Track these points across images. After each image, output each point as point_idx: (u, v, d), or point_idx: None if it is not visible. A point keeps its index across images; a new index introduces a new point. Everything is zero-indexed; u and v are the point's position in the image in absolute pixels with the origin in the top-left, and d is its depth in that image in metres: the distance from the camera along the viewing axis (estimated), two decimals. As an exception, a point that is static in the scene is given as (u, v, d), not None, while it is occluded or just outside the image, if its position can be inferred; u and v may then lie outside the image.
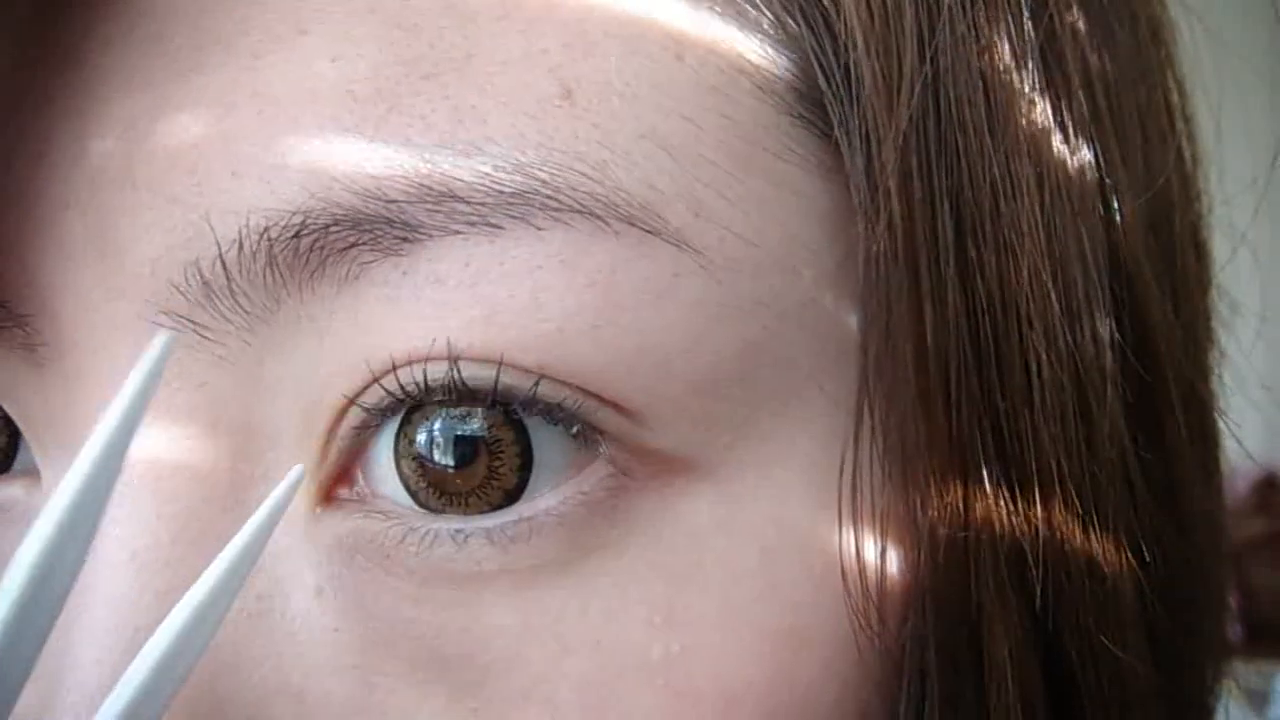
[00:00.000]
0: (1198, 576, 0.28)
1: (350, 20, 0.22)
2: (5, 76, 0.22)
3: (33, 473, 0.25)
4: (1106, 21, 0.27)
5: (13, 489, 0.25)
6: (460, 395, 0.22)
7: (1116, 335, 0.25)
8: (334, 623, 0.22)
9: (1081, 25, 0.26)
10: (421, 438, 0.22)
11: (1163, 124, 0.29)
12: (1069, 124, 0.25)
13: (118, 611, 0.21)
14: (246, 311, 0.22)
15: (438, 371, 0.21)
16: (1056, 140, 0.25)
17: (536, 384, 0.21)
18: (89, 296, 0.22)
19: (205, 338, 0.22)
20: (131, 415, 0.19)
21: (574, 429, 0.22)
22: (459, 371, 0.21)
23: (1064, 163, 0.25)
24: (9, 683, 0.18)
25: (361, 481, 0.23)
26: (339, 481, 0.23)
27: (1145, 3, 0.29)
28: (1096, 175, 0.26)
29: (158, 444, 0.22)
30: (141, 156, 0.22)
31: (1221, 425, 0.31)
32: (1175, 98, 0.30)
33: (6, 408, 0.24)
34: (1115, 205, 0.26)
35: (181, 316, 0.22)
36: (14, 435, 0.25)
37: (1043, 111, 0.24)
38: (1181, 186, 0.30)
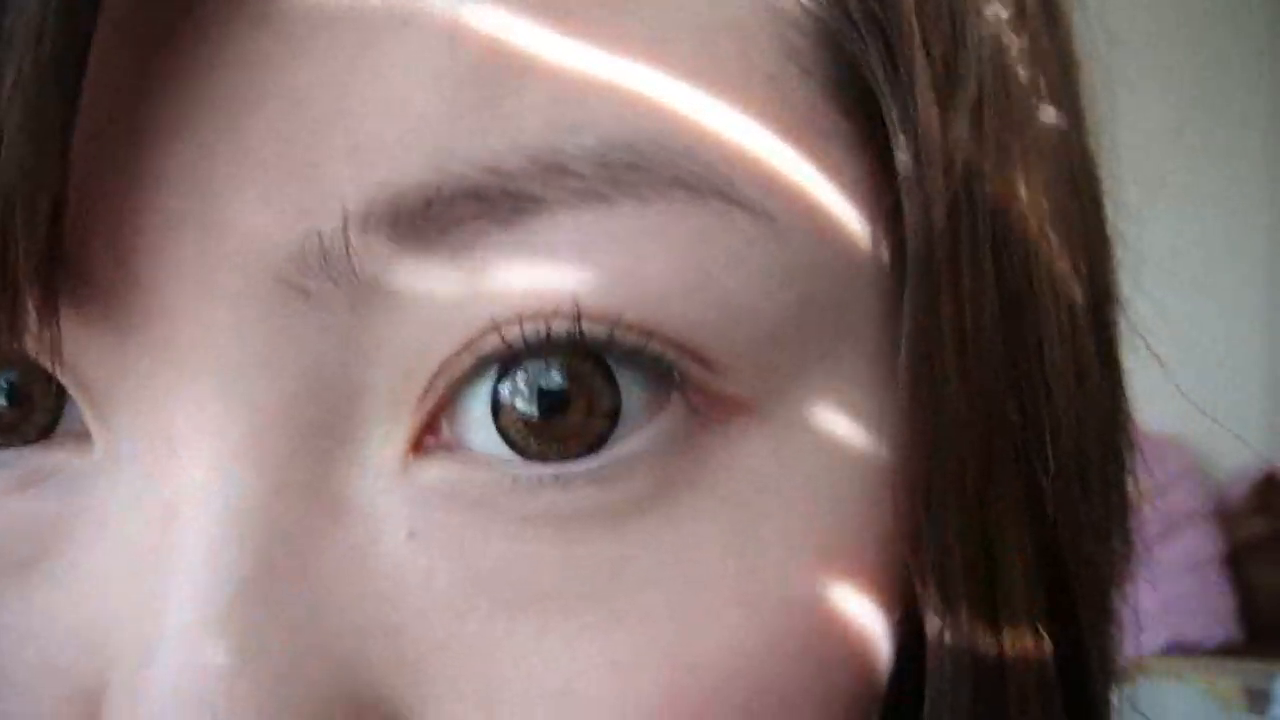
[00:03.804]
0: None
1: (461, 7, 0.23)
2: (104, 59, 0.23)
3: (78, 436, 0.25)
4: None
5: (59, 453, 0.25)
6: (571, 348, 0.24)
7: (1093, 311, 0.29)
8: (427, 564, 0.24)
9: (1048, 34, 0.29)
10: (511, 388, 0.24)
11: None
12: (1068, 119, 0.29)
13: (215, 555, 0.23)
14: (358, 278, 0.23)
15: (558, 327, 0.23)
16: (1059, 135, 0.28)
17: (647, 342, 0.23)
18: (185, 267, 0.23)
19: (313, 303, 0.23)
20: None
21: (662, 377, 0.24)
22: (581, 329, 0.23)
23: (1061, 148, 0.28)
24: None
25: (447, 429, 0.24)
26: (427, 430, 0.24)
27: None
28: (1080, 149, 0.29)
29: (254, 399, 0.23)
30: (253, 130, 0.23)
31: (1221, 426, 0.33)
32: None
33: (63, 378, 0.25)
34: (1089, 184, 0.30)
35: (292, 284, 0.23)
36: (59, 401, 0.25)
37: (1049, 105, 0.28)
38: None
